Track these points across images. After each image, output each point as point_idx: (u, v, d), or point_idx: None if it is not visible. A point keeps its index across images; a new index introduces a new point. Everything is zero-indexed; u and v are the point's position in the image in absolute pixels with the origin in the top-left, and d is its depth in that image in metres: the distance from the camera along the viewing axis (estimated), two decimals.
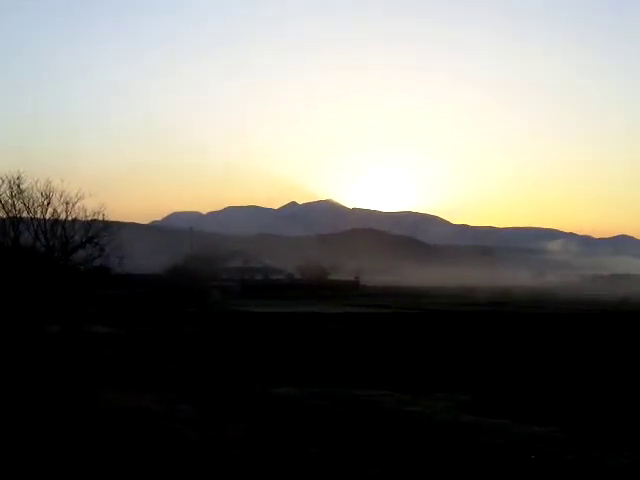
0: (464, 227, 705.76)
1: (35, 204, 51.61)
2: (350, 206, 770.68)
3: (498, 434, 17.18)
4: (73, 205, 52.17)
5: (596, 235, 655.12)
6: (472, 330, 49.43)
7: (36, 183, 51.38)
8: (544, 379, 26.26)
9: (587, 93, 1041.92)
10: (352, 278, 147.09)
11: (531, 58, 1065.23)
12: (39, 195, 51.51)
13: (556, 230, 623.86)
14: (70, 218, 52.76)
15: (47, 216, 52.28)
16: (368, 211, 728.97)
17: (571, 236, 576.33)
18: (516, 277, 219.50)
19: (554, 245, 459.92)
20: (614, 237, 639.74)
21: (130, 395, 21.99)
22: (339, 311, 69.86)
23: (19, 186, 50.97)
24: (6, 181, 50.53)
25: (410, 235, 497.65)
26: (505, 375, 27.18)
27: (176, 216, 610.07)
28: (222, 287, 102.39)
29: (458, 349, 36.61)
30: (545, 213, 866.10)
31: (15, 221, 51.57)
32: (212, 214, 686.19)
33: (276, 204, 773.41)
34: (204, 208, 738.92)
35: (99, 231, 53.15)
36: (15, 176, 50.96)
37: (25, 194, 51.23)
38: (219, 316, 61.23)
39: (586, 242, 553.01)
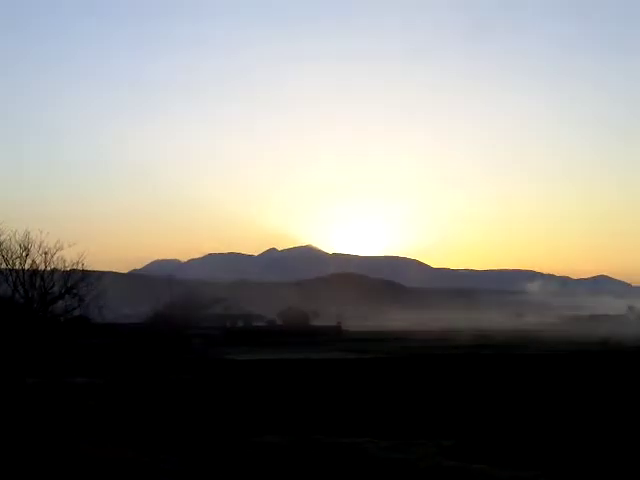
0: (444, 270, 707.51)
1: (13, 255, 51.41)
2: (330, 251, 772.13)
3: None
4: (52, 256, 51.98)
5: (575, 276, 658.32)
6: (454, 374, 49.41)
7: (14, 234, 51.23)
8: (526, 423, 26.29)
9: (563, 133, 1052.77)
10: (334, 323, 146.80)
11: (504, 98, 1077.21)
12: (17, 246, 51.35)
13: (535, 271, 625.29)
14: (49, 269, 52.51)
15: (26, 267, 52.02)
16: (348, 256, 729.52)
17: (550, 277, 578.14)
18: (495, 319, 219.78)
19: (533, 286, 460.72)
20: (593, 278, 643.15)
21: (114, 446, 21.85)
22: (321, 357, 69.62)
23: None
24: None
25: (390, 279, 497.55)
26: (487, 419, 27.20)
27: (156, 264, 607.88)
28: (203, 335, 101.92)
29: (440, 394, 36.60)
30: (524, 254, 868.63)
31: None
32: (192, 262, 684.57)
33: (256, 251, 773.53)
34: (184, 256, 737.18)
35: (78, 281, 52.89)
36: None
37: (3, 246, 51.06)
38: (201, 365, 60.90)
39: (565, 283, 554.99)
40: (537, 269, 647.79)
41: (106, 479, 17.19)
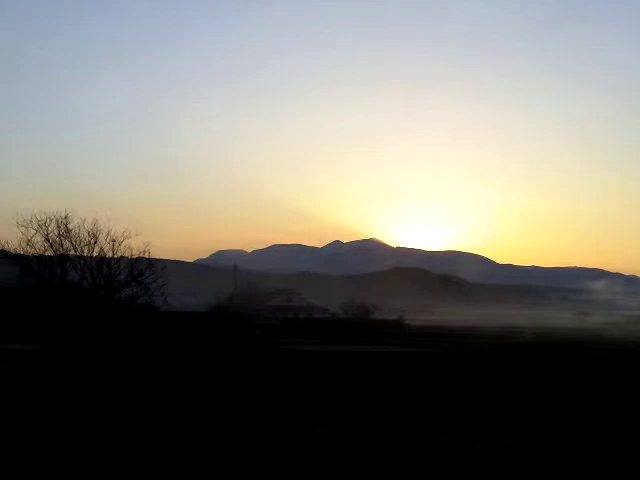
0: (509, 266, 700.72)
1: (82, 243, 52.56)
2: (394, 245, 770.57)
3: None
4: (119, 244, 53.04)
5: None
6: (514, 371, 48.98)
7: (83, 222, 52.36)
8: (592, 422, 26.01)
9: (631, 130, 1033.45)
10: (395, 317, 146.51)
11: (569, 96, 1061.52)
12: (86, 234, 52.47)
13: (601, 270, 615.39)
14: (116, 256, 53.58)
15: (94, 254, 53.15)
16: (412, 250, 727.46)
17: (617, 276, 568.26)
18: (559, 316, 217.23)
19: (599, 285, 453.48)
20: None
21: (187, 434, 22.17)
22: (383, 350, 69.68)
23: (66, 225, 52.00)
24: (54, 220, 51.59)
25: (454, 274, 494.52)
26: (548, 417, 26.95)
27: (221, 254, 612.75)
28: (265, 325, 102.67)
29: (500, 390, 36.34)
30: (590, 252, 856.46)
31: (62, 259, 52.50)
32: (256, 252, 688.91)
33: (320, 243, 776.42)
34: (249, 246, 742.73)
35: (144, 269, 53.82)
36: (62, 215, 52.02)
37: (72, 233, 52.21)
38: (264, 354, 61.39)
39: (632, 282, 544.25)
40: (604, 267, 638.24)
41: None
